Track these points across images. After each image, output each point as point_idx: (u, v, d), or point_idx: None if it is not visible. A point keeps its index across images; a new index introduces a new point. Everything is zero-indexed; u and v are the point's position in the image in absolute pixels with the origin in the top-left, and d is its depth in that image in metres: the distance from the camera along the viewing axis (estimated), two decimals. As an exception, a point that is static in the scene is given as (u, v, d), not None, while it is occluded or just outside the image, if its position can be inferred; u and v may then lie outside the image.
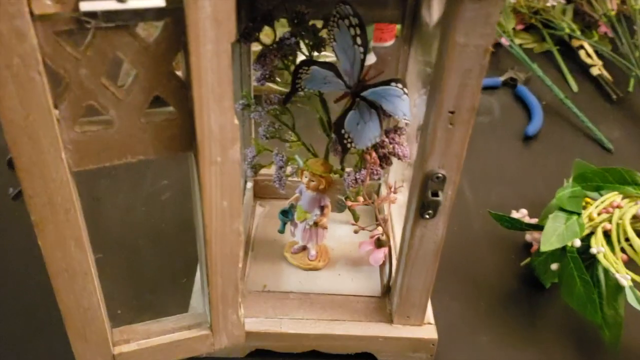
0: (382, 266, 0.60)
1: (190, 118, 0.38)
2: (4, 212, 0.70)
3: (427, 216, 0.47)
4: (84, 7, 0.32)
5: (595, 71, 1.04)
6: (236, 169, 0.41)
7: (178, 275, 0.63)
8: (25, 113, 0.34)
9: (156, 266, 0.65)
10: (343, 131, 0.50)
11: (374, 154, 0.51)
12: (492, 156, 0.86)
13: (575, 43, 1.10)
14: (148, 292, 0.62)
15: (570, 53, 1.11)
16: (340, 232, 0.64)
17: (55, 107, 0.35)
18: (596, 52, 1.07)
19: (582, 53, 1.08)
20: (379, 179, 0.54)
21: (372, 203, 0.53)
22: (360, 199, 0.54)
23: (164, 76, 0.36)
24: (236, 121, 0.39)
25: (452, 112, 0.42)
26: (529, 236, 0.70)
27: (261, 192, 0.68)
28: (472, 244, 0.70)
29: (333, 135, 0.53)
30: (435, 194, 0.46)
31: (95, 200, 0.73)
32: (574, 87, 1.02)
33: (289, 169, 0.58)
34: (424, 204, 0.46)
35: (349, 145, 0.50)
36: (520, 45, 1.10)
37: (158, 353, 0.49)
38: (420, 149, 0.46)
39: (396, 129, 0.53)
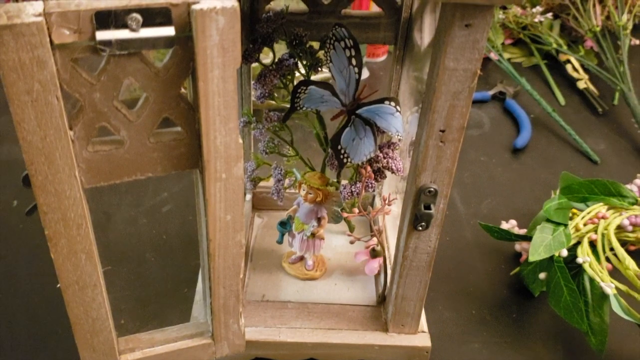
0: (377, 276, 0.63)
1: (197, 138, 0.40)
2: (13, 226, 0.71)
3: (420, 228, 0.49)
4: (100, 36, 0.34)
5: (581, 85, 1.07)
6: (239, 184, 0.43)
7: (180, 286, 0.65)
8: (43, 134, 0.36)
9: (158, 277, 0.67)
10: (339, 147, 0.52)
11: (369, 168, 0.53)
12: (482, 168, 0.88)
13: (562, 57, 1.14)
14: (151, 303, 0.63)
15: (557, 67, 1.14)
16: (337, 243, 0.67)
17: (70, 128, 0.37)
18: (582, 66, 1.10)
19: (568, 67, 1.11)
20: (374, 191, 0.56)
21: (367, 214, 0.55)
22: (356, 210, 0.57)
23: (173, 99, 0.39)
24: (240, 140, 0.41)
25: (442, 131, 0.44)
26: (518, 246, 0.72)
27: (260, 204, 0.70)
28: (463, 254, 0.73)
29: (329, 150, 0.55)
30: (428, 207, 0.48)
31: (101, 214, 0.75)
32: (561, 100, 1.05)
33: (286, 182, 0.60)
34: (417, 217, 0.48)
35: (345, 161, 0.52)
36: (508, 59, 1.14)
37: (163, 356, 0.51)
38: (412, 164, 0.48)
39: (390, 144, 0.56)
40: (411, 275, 0.53)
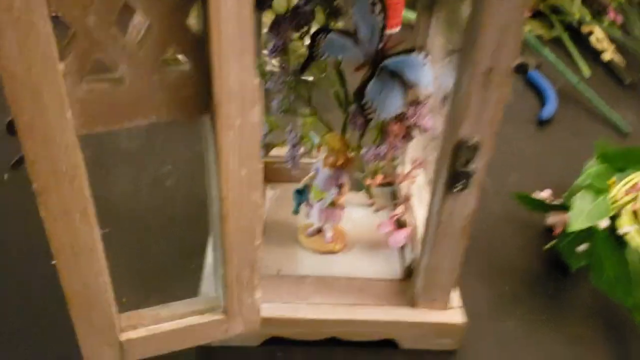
0: (401, 248, 0.57)
1: (207, 76, 0.35)
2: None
3: (458, 188, 0.43)
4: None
5: (607, 56, 1.02)
6: (256, 133, 0.37)
7: (185, 262, 0.60)
8: (27, 65, 0.30)
9: (162, 252, 0.61)
10: (364, 100, 0.47)
11: (397, 126, 0.48)
12: (507, 141, 0.83)
13: (585, 29, 1.08)
14: (155, 277, 0.58)
15: (578, 40, 1.08)
16: (356, 215, 0.61)
17: (61, 59, 0.32)
18: (608, 37, 1.05)
19: (592, 39, 1.06)
20: (398, 156, 0.51)
21: (392, 182, 0.50)
22: (380, 177, 0.51)
23: (180, 28, 0.33)
24: (257, 80, 0.35)
25: (487, 73, 0.39)
26: (550, 219, 0.67)
27: (272, 175, 0.65)
28: (492, 229, 0.67)
29: (352, 107, 0.50)
30: (467, 165, 0.43)
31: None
32: (586, 71, 0.99)
33: (302, 149, 0.54)
34: (454, 176, 0.43)
35: (371, 116, 0.47)
36: (528, 31, 1.08)
37: (169, 339, 0.46)
38: (449, 115, 0.43)
39: (419, 101, 0.50)
40: (445, 244, 0.48)
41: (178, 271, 0.59)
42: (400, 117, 0.48)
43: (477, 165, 0.43)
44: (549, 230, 0.67)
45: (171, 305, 0.47)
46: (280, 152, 0.64)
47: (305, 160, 0.56)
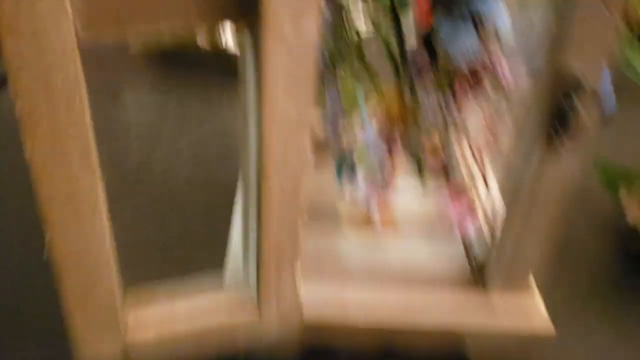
0: (467, 234, 0.48)
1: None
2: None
3: (559, 138, 0.34)
4: None
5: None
6: (311, 52, 0.29)
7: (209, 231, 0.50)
8: None
9: (176, 236, 0.52)
10: (431, 37, 0.38)
11: (467, 72, 0.39)
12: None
13: None
14: (172, 249, 0.49)
15: None
16: (405, 198, 0.52)
17: None
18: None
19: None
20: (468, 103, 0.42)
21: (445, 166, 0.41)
22: (435, 141, 0.43)
23: None
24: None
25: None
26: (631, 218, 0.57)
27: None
28: (570, 228, 0.58)
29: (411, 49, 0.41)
30: (570, 105, 0.34)
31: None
32: None
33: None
34: (557, 123, 0.34)
35: (441, 54, 0.38)
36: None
37: (185, 342, 0.36)
38: (550, 45, 0.34)
39: (492, 49, 0.41)
40: (535, 216, 0.38)
41: (200, 241, 0.50)
42: (471, 62, 0.40)
43: (585, 111, 0.34)
44: (634, 232, 0.57)
45: (189, 280, 0.38)
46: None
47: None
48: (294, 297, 0.37)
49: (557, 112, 0.33)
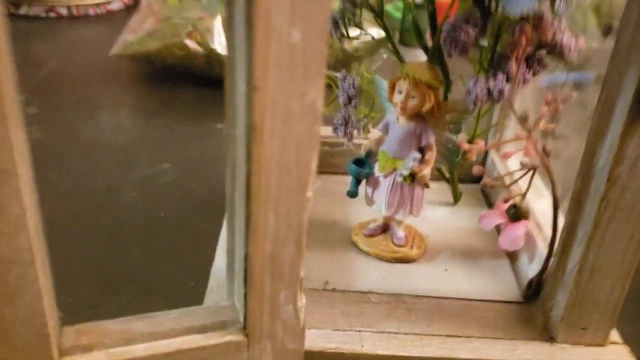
0: (514, 255, 0.38)
1: None
2: None
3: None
4: None
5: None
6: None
7: (183, 280, 0.40)
8: None
9: (151, 265, 0.42)
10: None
11: (528, 30, 0.30)
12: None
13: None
14: (139, 302, 0.39)
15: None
16: (436, 214, 0.42)
17: None
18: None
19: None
20: (525, 82, 0.32)
21: (527, 129, 0.31)
22: (481, 142, 0.33)
23: None
24: None
25: None
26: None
27: (310, 163, 0.46)
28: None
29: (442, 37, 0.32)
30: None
31: (70, 182, 0.51)
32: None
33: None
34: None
35: (493, 6, 0.29)
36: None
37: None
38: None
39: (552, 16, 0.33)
40: (614, 231, 0.28)
41: (171, 293, 0.40)
42: (531, 23, 0.31)
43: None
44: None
45: (155, 316, 0.27)
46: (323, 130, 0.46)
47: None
48: (295, 318, 0.27)
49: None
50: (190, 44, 0.69)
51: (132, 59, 0.72)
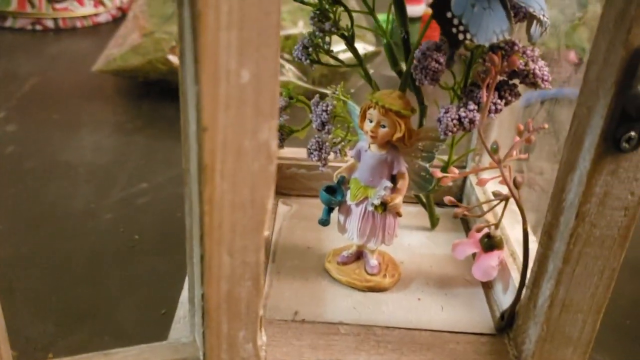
0: (487, 284, 0.37)
1: None
2: None
3: (632, 143, 0.24)
4: None
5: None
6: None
7: (152, 306, 0.39)
8: None
9: (120, 291, 0.41)
10: (450, 15, 0.29)
11: (496, 59, 0.29)
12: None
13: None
14: (104, 330, 0.38)
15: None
16: (411, 240, 0.42)
17: None
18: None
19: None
20: (497, 112, 0.32)
21: (497, 162, 0.31)
22: (454, 170, 0.33)
23: None
24: None
25: None
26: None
27: (286, 185, 0.46)
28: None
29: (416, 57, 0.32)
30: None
31: (45, 204, 0.50)
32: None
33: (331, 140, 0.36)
34: (629, 114, 0.24)
35: (461, 36, 0.29)
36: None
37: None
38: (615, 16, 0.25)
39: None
40: (584, 266, 0.28)
41: (140, 320, 0.39)
42: (502, 50, 0.30)
43: (664, 102, 0.24)
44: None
45: (114, 353, 0.27)
46: (296, 153, 0.46)
47: (333, 163, 0.38)
48: (254, 355, 0.26)
49: (629, 103, 0.24)
50: (173, 59, 0.69)
51: (115, 75, 0.72)
